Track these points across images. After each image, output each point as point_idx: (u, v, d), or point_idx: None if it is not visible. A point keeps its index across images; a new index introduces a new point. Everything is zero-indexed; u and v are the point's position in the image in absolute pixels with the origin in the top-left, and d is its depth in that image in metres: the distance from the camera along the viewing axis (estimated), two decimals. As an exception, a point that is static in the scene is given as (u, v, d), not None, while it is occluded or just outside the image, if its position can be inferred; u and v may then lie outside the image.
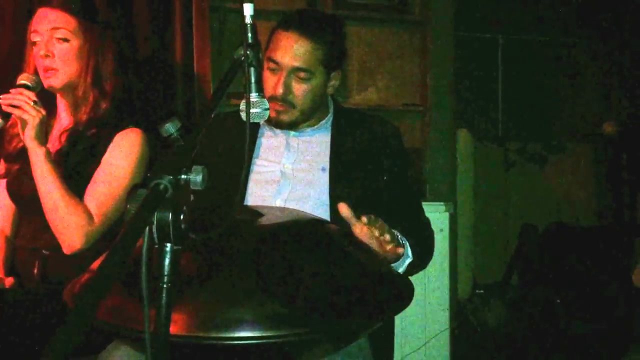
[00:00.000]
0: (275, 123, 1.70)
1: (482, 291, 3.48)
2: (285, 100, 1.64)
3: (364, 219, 1.37)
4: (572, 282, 3.28)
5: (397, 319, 2.16)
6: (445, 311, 2.52)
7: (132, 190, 0.80)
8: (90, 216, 1.69)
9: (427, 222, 1.78)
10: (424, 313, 2.49)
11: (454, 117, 3.10)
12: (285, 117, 1.67)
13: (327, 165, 1.69)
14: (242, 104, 1.25)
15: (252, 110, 1.27)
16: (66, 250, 1.68)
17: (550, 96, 4.27)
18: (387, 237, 1.39)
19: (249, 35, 1.22)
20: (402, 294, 1.21)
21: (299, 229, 1.30)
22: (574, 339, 3.09)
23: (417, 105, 3.05)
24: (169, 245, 0.80)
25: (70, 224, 1.66)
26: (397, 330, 2.28)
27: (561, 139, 4.22)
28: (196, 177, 0.82)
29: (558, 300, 3.26)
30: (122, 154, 1.75)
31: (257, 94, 1.27)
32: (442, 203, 2.56)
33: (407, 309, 2.52)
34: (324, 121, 1.76)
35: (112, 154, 1.75)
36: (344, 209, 1.39)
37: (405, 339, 2.45)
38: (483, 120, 4.16)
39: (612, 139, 3.80)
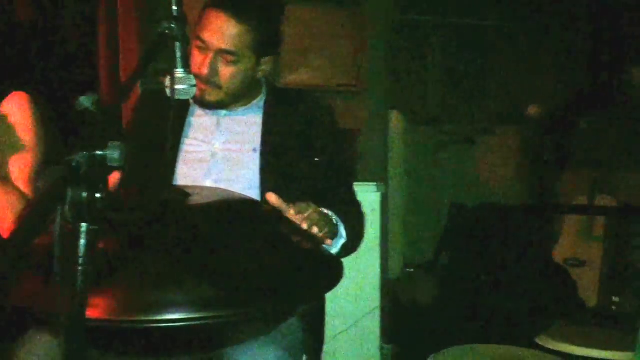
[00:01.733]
0: (200, 102, 1.66)
1: (412, 270, 3.55)
2: (209, 81, 1.60)
3: (292, 211, 1.35)
4: (498, 260, 3.39)
5: (328, 298, 2.17)
6: (376, 290, 2.55)
7: (44, 168, 0.75)
8: (22, 193, 1.60)
9: (358, 204, 1.78)
10: (354, 292, 2.51)
11: (387, 99, 3.13)
12: (210, 98, 1.63)
13: (258, 146, 1.67)
14: (167, 80, 1.20)
15: (177, 87, 1.23)
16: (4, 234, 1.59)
17: (479, 80, 4.38)
18: (321, 217, 1.39)
19: (174, 7, 1.18)
20: (332, 273, 1.21)
21: (229, 209, 1.27)
22: (500, 315, 3.21)
23: (351, 86, 3.06)
24: (84, 225, 0.76)
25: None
26: (328, 309, 2.30)
27: (489, 122, 4.34)
28: (113, 154, 0.77)
29: (485, 277, 3.37)
30: (18, 121, 1.66)
31: (183, 69, 1.23)
32: (373, 183, 2.59)
33: (338, 289, 2.53)
34: (256, 101, 1.73)
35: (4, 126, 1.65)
36: (272, 199, 1.37)
37: (336, 318, 2.47)
38: (415, 102, 4.22)
39: (536, 122, 3.93)
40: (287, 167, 1.64)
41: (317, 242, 1.37)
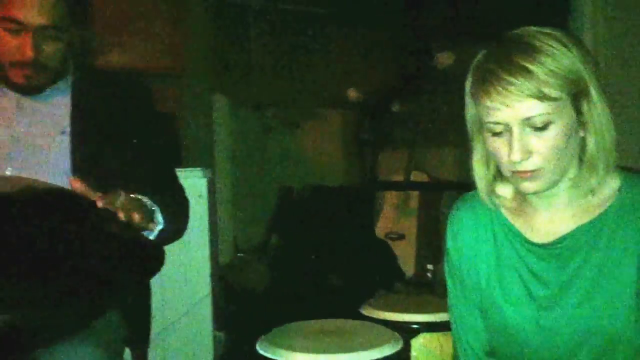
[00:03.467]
0: (22, 89, 1.51)
1: (243, 255, 3.55)
2: (36, 65, 1.46)
3: (100, 203, 1.25)
4: (326, 239, 3.51)
5: (156, 288, 2.09)
6: (207, 277, 2.50)
7: None
8: None
9: (180, 189, 1.72)
10: (184, 281, 2.44)
11: (210, 83, 3.07)
12: (38, 82, 1.50)
13: (67, 129, 1.54)
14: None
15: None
16: None
17: (303, 64, 4.47)
18: (134, 203, 1.31)
19: None
20: (150, 261, 1.15)
21: (30, 200, 1.16)
22: (329, 291, 3.33)
23: (172, 69, 2.95)
24: None
25: None
26: (156, 300, 2.21)
27: (314, 105, 4.46)
28: None
29: (314, 257, 3.47)
30: None
31: None
32: (199, 169, 2.52)
33: (167, 278, 2.45)
34: (62, 81, 1.60)
35: None
36: (77, 185, 1.26)
37: (166, 308, 2.38)
38: (239, 86, 4.20)
39: (356, 105, 4.12)
40: (100, 150, 1.54)
41: (131, 231, 1.30)
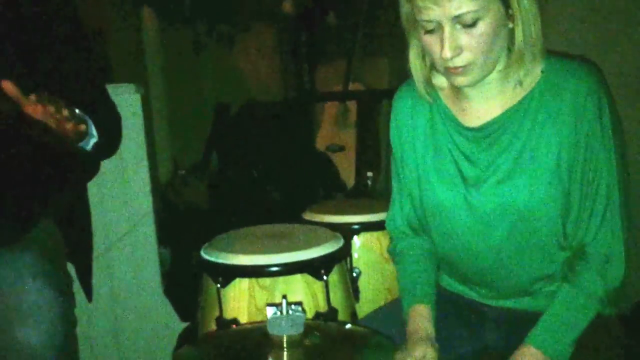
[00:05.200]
0: None
1: (183, 172, 3.52)
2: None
3: (33, 96, 1.23)
4: (266, 154, 3.51)
5: (97, 208, 2.07)
6: (148, 195, 2.47)
7: None
8: None
9: (112, 104, 1.69)
10: (124, 199, 2.42)
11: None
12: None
13: None
14: None
15: None
16: None
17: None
18: (66, 112, 1.28)
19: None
20: (81, 168, 1.14)
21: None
22: (271, 205, 3.37)
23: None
24: None
25: None
26: (98, 219, 2.20)
27: (247, 19, 4.33)
28: None
29: (255, 172, 3.48)
30: None
31: None
32: (132, 84, 2.44)
33: (107, 197, 2.42)
34: None
35: None
36: (8, 87, 1.23)
37: (108, 228, 2.37)
38: (169, 0, 4.02)
39: (291, 18, 4.03)
40: (23, 61, 1.47)
41: (62, 139, 1.27)
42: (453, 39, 1.11)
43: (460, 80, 1.17)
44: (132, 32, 2.85)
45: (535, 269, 1.24)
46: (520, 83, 1.19)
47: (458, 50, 1.12)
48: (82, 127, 1.32)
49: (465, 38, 1.11)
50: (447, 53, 1.11)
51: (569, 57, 1.24)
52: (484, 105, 1.24)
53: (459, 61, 1.13)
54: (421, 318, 1.27)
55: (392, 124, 1.36)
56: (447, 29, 1.10)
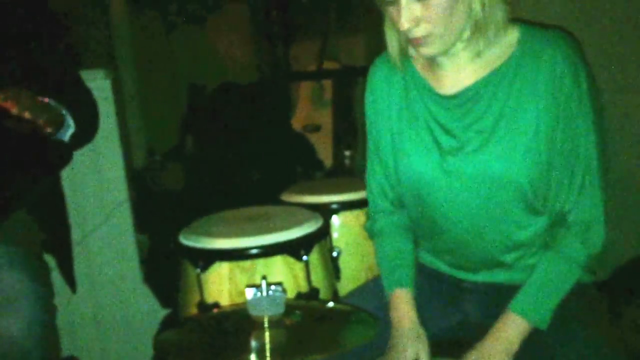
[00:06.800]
0: None
1: (158, 157, 3.48)
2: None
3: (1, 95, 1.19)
4: (241, 135, 3.48)
5: (71, 197, 2.03)
6: (123, 182, 2.44)
7: None
8: None
9: (88, 91, 1.67)
10: (99, 187, 2.38)
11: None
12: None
13: None
14: None
15: None
16: None
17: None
18: (39, 103, 1.25)
19: None
20: (52, 158, 1.11)
21: None
22: (249, 187, 3.35)
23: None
24: None
25: None
26: (74, 208, 2.16)
27: (217, -1, 4.26)
28: None
29: (231, 155, 3.45)
30: None
31: None
32: (101, 70, 2.39)
33: (81, 185, 2.38)
34: None
35: None
36: None
37: (84, 217, 2.34)
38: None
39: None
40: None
41: (34, 130, 1.24)
42: (409, 11, 1.12)
43: (423, 51, 1.18)
44: (99, 14, 2.78)
45: (507, 237, 1.24)
46: (480, 54, 1.19)
47: (415, 21, 1.13)
48: (59, 119, 1.29)
49: (421, 9, 1.12)
50: (404, 25, 1.13)
51: (546, 27, 1.23)
52: (457, 74, 1.24)
53: (418, 32, 1.15)
54: (404, 304, 1.28)
55: (368, 95, 1.36)
56: (402, 0, 1.12)
